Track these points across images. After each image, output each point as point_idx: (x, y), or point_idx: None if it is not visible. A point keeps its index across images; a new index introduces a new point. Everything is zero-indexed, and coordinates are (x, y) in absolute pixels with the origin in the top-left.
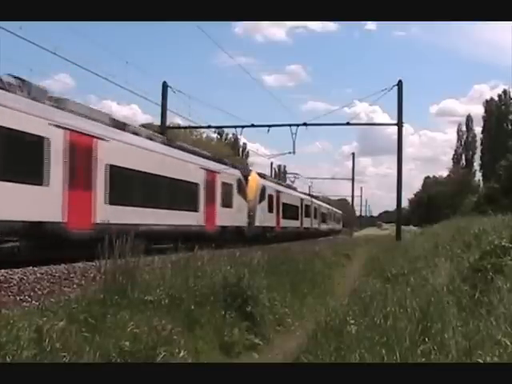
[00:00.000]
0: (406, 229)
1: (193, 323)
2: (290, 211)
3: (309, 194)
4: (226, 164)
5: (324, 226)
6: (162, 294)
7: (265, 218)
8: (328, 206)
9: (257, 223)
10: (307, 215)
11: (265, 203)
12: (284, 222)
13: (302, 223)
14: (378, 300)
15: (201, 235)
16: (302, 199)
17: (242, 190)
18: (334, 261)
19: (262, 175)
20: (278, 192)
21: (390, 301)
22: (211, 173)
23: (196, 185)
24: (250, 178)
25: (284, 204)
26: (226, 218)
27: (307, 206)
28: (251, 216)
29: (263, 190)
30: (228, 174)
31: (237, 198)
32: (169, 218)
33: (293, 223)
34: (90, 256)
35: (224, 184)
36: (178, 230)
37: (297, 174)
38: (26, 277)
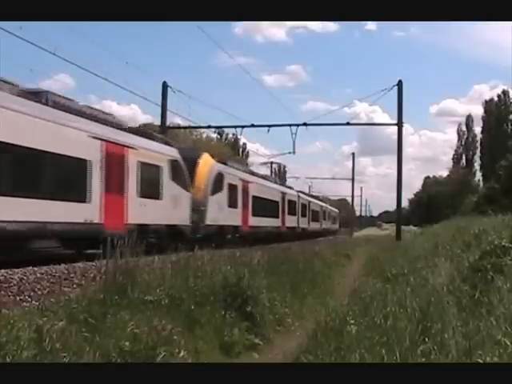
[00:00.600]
0: (405, 229)
1: (193, 323)
2: (265, 207)
3: (300, 191)
4: (150, 138)
5: (315, 226)
6: (161, 294)
7: (223, 215)
8: (321, 203)
9: (208, 221)
10: (292, 212)
11: (223, 195)
12: (255, 221)
13: (283, 222)
14: (377, 300)
15: (94, 236)
16: (283, 193)
17: (180, 176)
18: (334, 261)
19: (221, 160)
20: (246, 182)
21: (390, 301)
22: (116, 147)
23: (82, 162)
24: (199, 161)
25: (256, 198)
26: (147, 213)
27: (291, 202)
28: (199, 212)
29: (219, 177)
30: (153, 152)
31: (170, 187)
32: (22, 210)
33: (270, 222)
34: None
35: (144, 165)
36: (45, 230)
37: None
38: (25, 277)
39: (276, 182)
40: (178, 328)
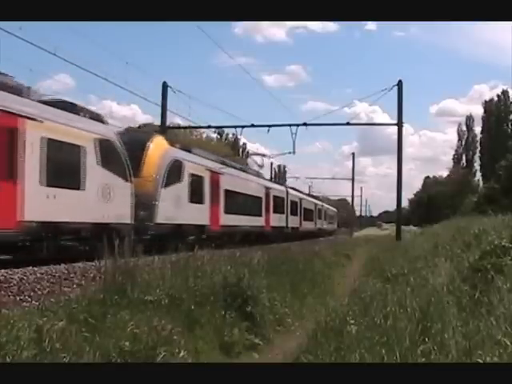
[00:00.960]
0: (405, 229)
1: (193, 323)
2: (243, 203)
3: (290, 187)
4: (67, 109)
5: (309, 226)
6: (161, 294)
7: (182, 212)
8: (316, 201)
9: (160, 219)
10: (279, 211)
11: (181, 188)
12: (229, 219)
13: (267, 221)
14: (377, 300)
15: None
16: (267, 188)
17: (115, 162)
18: (334, 261)
19: (182, 147)
20: (216, 173)
21: (390, 301)
22: (1, 116)
23: None
24: (149, 145)
25: (230, 192)
26: (58, 207)
27: (278, 199)
28: (147, 207)
29: (177, 166)
30: (70, 128)
31: (98, 174)
32: None
33: (249, 220)
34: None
35: (54, 143)
36: None
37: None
38: (25, 277)
39: (259, 176)
40: (178, 328)
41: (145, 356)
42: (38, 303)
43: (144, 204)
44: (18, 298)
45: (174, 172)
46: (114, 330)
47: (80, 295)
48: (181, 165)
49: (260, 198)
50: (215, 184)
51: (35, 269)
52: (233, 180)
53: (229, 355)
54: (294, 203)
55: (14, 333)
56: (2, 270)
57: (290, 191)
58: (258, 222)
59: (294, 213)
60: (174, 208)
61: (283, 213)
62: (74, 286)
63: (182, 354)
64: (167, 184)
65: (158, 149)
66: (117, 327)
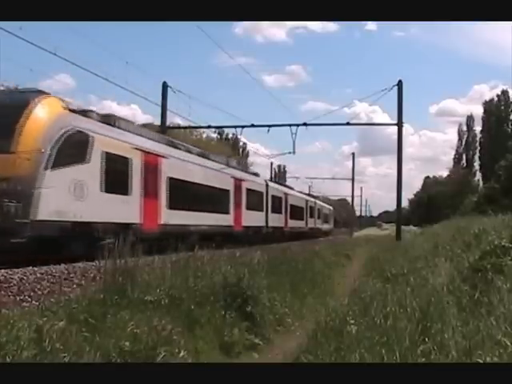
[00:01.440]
0: (405, 229)
1: (193, 323)
2: (198, 197)
3: (271, 180)
4: None
5: (298, 225)
6: (161, 294)
7: (89, 205)
8: (307, 197)
9: (43, 215)
10: (255, 207)
11: (86, 171)
12: (174, 216)
13: (238, 220)
14: (378, 300)
15: None
16: (237, 180)
17: None
18: (334, 261)
19: (103, 120)
20: (152, 156)
21: (390, 301)
22: None
23: None
24: (32, 107)
25: (177, 181)
26: None
27: (254, 193)
28: (21, 196)
29: (77, 139)
30: None
31: None
32: None
33: (209, 219)
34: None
35: None
36: None
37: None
38: (26, 277)
39: (228, 164)
40: (178, 328)
41: (145, 356)
42: (38, 303)
43: (14, 193)
44: (18, 298)
45: (71, 148)
46: (114, 329)
47: (80, 295)
48: (87, 139)
49: (227, 191)
50: (152, 170)
51: (35, 269)
52: (183, 166)
53: (229, 355)
54: (276, 198)
55: (14, 333)
56: (2, 270)
57: (271, 184)
58: (223, 220)
59: (277, 210)
60: (73, 199)
61: (261, 210)
62: (74, 285)
63: (181, 354)
64: (58, 164)
65: (45, 114)
66: (117, 327)
